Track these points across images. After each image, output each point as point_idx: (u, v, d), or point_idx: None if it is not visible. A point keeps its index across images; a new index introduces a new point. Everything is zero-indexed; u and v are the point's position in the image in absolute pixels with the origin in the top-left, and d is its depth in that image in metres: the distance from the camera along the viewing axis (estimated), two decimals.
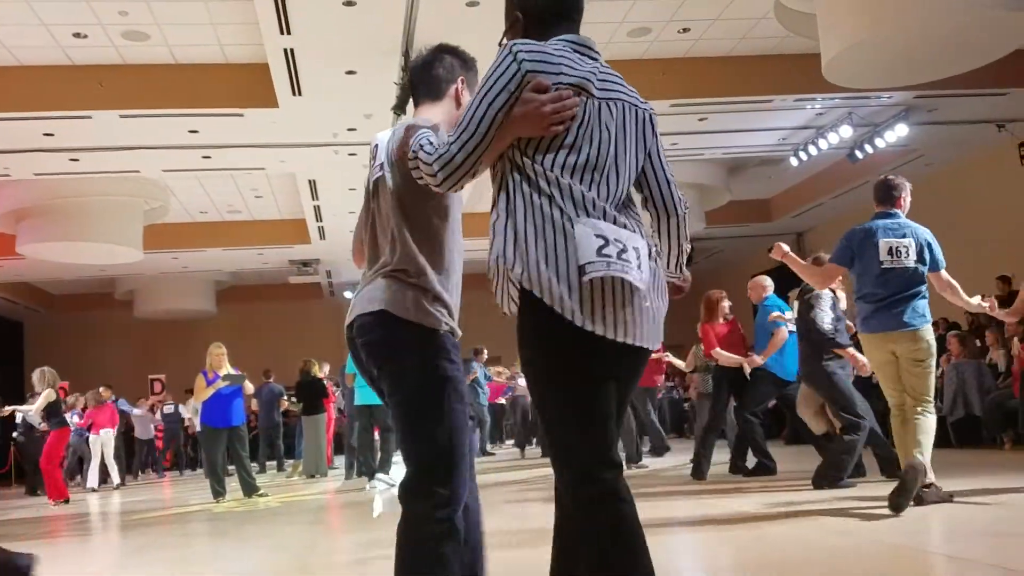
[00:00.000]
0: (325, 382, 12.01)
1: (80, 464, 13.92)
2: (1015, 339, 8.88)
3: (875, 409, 6.20)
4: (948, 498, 4.60)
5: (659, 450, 10.25)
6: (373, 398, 8.35)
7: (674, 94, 9.48)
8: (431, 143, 2.04)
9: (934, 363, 4.75)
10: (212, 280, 18.85)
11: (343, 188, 11.96)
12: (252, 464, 9.71)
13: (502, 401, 16.27)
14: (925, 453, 4.50)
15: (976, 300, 5.02)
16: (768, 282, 7.40)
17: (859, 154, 11.31)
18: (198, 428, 9.89)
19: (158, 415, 17.07)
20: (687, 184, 13.13)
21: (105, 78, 8.61)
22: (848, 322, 6.22)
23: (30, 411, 10.26)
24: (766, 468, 7.13)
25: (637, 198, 2.25)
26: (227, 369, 8.83)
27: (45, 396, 9.98)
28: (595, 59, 2.14)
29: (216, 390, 8.65)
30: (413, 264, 2.30)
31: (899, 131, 10.56)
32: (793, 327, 7.03)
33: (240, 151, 10.30)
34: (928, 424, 4.60)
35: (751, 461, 7.38)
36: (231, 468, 9.43)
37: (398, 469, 9.13)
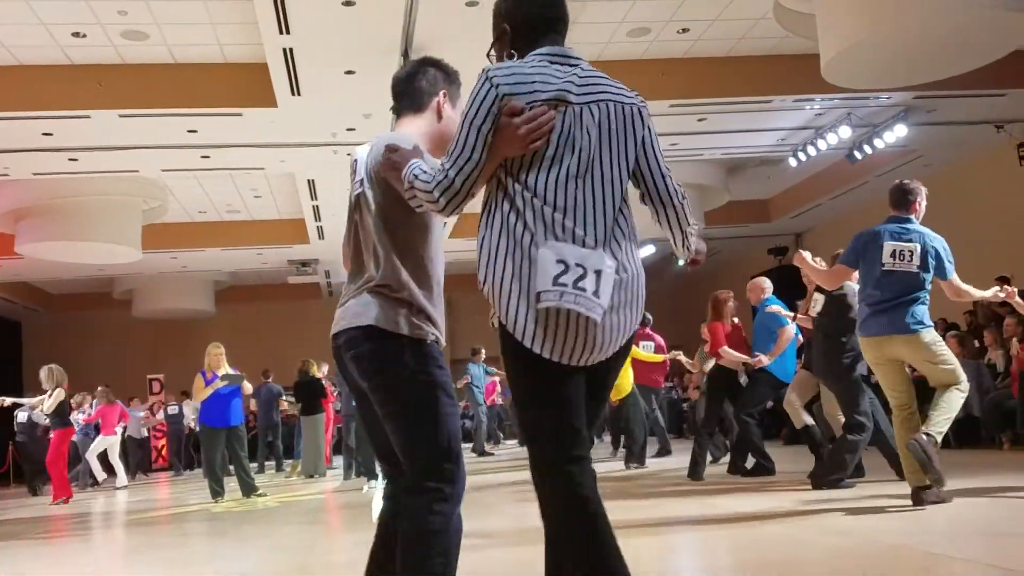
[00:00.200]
0: (324, 382, 12.01)
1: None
2: (1014, 339, 8.89)
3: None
4: (947, 498, 4.60)
5: (663, 451, 10.29)
6: None
7: (673, 94, 9.48)
8: (424, 171, 2.13)
9: (949, 354, 4.74)
10: (211, 280, 18.83)
11: (342, 188, 11.95)
12: (251, 464, 9.71)
13: (500, 401, 16.26)
14: (933, 427, 4.51)
15: (993, 291, 5.00)
16: (767, 283, 7.42)
17: (858, 155, 11.31)
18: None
19: (160, 415, 17.10)
20: (686, 184, 13.02)
21: (104, 78, 8.60)
22: None
23: (39, 408, 10.18)
24: (764, 469, 7.14)
25: (634, 194, 2.30)
26: (225, 369, 8.82)
27: (57, 395, 9.97)
28: (575, 65, 2.20)
29: (214, 390, 8.65)
30: (396, 279, 2.36)
31: (898, 132, 10.57)
32: (795, 326, 7.05)
33: (239, 151, 10.30)
34: (949, 397, 4.61)
35: (750, 462, 7.38)
36: (230, 468, 9.42)
37: None
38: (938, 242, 4.82)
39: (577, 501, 2.09)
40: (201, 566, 4.94)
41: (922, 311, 4.72)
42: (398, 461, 2.39)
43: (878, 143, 10.87)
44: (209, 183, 12.49)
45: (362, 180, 2.45)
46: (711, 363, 8.13)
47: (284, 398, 14.27)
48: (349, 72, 8.31)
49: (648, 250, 16.71)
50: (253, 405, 14.71)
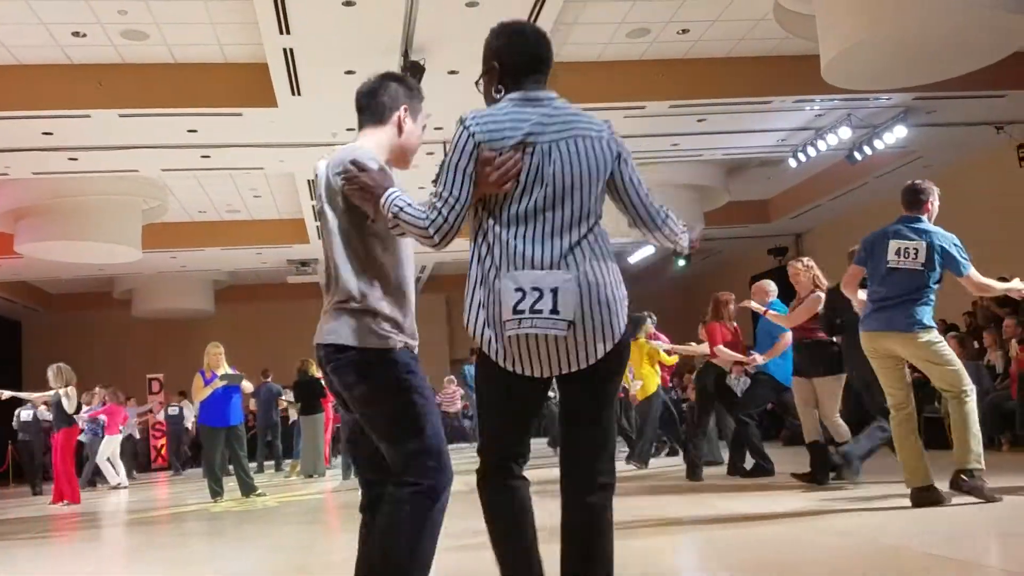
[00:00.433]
0: (323, 382, 11.98)
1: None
2: (1013, 341, 8.89)
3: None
4: (945, 499, 4.60)
5: (674, 451, 10.38)
6: None
7: (673, 95, 9.48)
8: (411, 205, 2.31)
9: (950, 355, 4.72)
10: (210, 279, 18.82)
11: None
12: (250, 464, 9.70)
13: None
14: (970, 462, 4.51)
15: (1015, 283, 4.91)
16: (772, 287, 7.30)
17: (858, 155, 11.31)
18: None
19: (160, 415, 17.10)
20: (686, 185, 13.13)
21: (104, 77, 8.59)
22: None
23: (65, 406, 10.12)
24: (764, 469, 7.14)
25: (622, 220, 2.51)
26: (225, 368, 8.82)
27: (72, 395, 9.96)
28: (545, 104, 2.40)
29: (214, 390, 8.65)
30: (357, 291, 2.46)
31: (898, 133, 10.56)
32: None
33: (239, 151, 10.29)
34: (962, 415, 4.59)
35: (749, 462, 7.39)
36: (230, 468, 9.42)
37: None
38: (947, 240, 4.78)
39: (516, 505, 2.38)
40: (200, 566, 4.94)
41: (924, 311, 4.70)
42: (377, 467, 2.52)
43: (878, 144, 10.87)
44: (209, 183, 12.48)
45: (322, 195, 2.54)
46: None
47: (283, 397, 14.27)
48: (349, 72, 8.30)
49: (648, 250, 16.72)
50: (252, 405, 14.71)
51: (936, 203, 4.96)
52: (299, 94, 8.64)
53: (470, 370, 13.53)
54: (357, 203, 2.43)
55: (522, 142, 2.32)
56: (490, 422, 2.45)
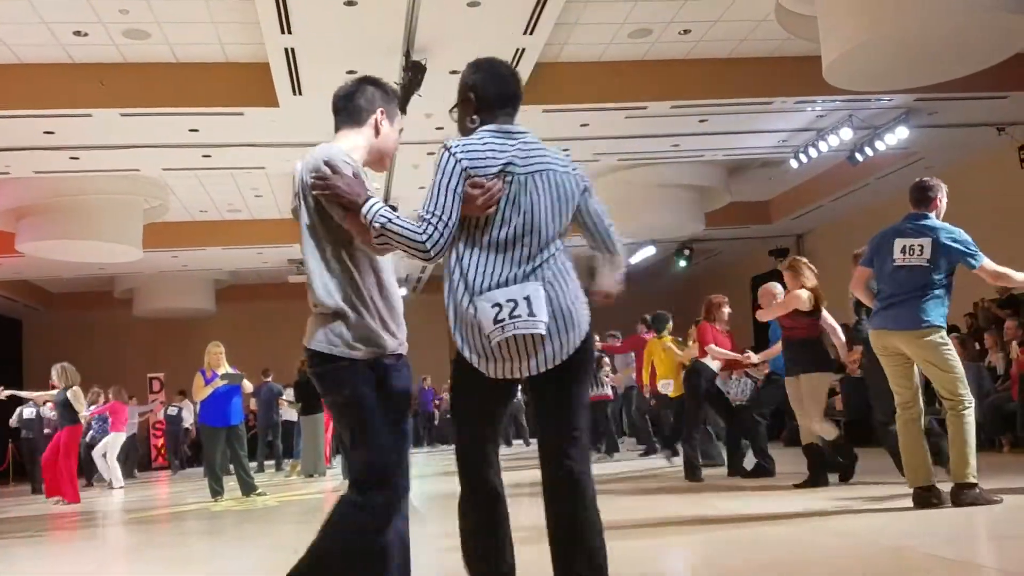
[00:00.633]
0: None
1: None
2: (1014, 342, 8.89)
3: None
4: (946, 501, 4.60)
5: (651, 451, 10.38)
6: None
7: (674, 95, 9.48)
8: (399, 218, 2.41)
9: (953, 359, 4.67)
10: (211, 279, 18.82)
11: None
12: (250, 463, 9.70)
13: None
14: (962, 462, 4.50)
15: None
16: (778, 289, 7.22)
17: (859, 156, 11.30)
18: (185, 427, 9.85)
19: (160, 415, 17.12)
20: (687, 185, 13.12)
21: (105, 76, 8.59)
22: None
23: (76, 407, 10.13)
24: (764, 470, 7.14)
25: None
26: (225, 368, 8.82)
27: (79, 395, 9.97)
28: (517, 138, 2.59)
29: (214, 389, 8.65)
30: (326, 294, 2.50)
31: (899, 134, 10.56)
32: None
33: (240, 150, 10.29)
34: (958, 431, 4.56)
35: (750, 463, 7.39)
36: (230, 467, 9.42)
37: None
38: (954, 234, 4.74)
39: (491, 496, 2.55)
40: (201, 564, 4.94)
41: (932, 308, 4.64)
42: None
43: (879, 145, 10.86)
44: (210, 182, 12.48)
45: (297, 194, 2.57)
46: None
47: (284, 397, 14.27)
48: (351, 72, 8.23)
49: (649, 251, 16.72)
50: (253, 404, 14.72)
51: (944, 200, 4.94)
52: (300, 94, 8.65)
53: None
54: (325, 205, 2.47)
55: (502, 171, 2.50)
56: (471, 429, 2.59)
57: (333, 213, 2.47)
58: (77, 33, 7.96)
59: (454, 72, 9.53)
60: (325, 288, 2.49)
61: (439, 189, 2.46)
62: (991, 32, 6.89)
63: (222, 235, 14.68)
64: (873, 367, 5.70)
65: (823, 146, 11.05)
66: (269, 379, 14.37)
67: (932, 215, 4.87)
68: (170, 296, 18.30)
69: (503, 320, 2.43)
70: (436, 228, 2.41)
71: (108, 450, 12.52)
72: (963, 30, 6.78)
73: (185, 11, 7.71)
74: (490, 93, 2.65)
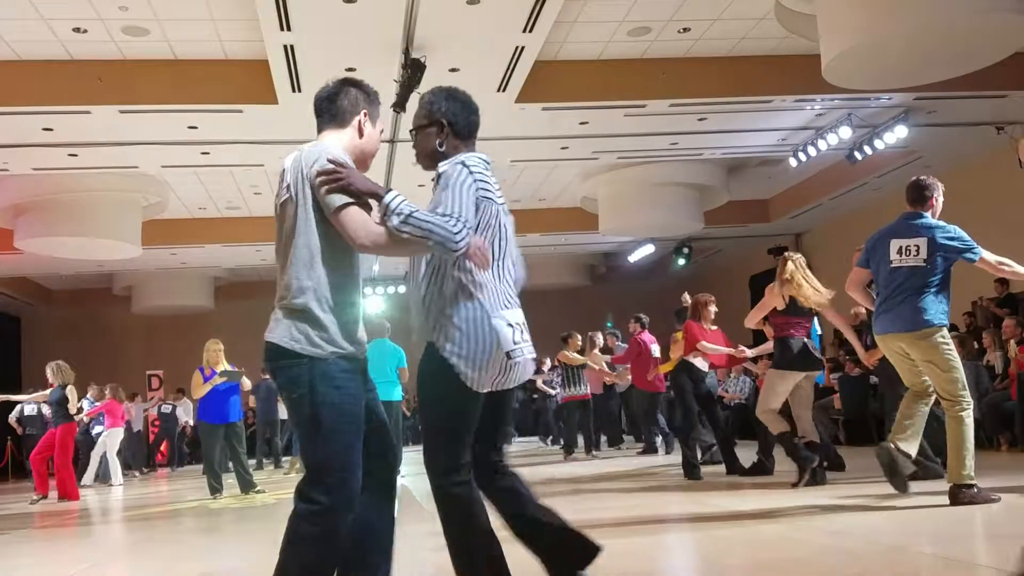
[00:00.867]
0: None
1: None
2: (1012, 341, 8.90)
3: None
4: (909, 489, 4.68)
5: (655, 449, 10.36)
6: (386, 394, 8.36)
7: (674, 94, 9.48)
8: (422, 210, 2.46)
9: (951, 360, 4.64)
10: (210, 276, 18.83)
11: None
12: (249, 461, 9.70)
13: None
14: (959, 463, 4.51)
15: None
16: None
17: (858, 155, 11.31)
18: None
19: (154, 412, 17.13)
20: (686, 184, 13.13)
21: (104, 73, 8.58)
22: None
23: (69, 406, 10.12)
24: (763, 468, 7.15)
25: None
26: (224, 365, 8.82)
27: (73, 394, 9.96)
28: (491, 170, 2.79)
29: (213, 386, 8.65)
30: (299, 290, 2.50)
31: (899, 132, 10.56)
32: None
33: (239, 147, 10.28)
34: (956, 434, 4.55)
35: (748, 461, 7.39)
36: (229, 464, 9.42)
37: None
38: (949, 232, 4.73)
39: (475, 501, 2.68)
40: (199, 561, 4.94)
41: (932, 307, 4.63)
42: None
43: (878, 144, 10.87)
44: (209, 179, 12.48)
45: (289, 186, 2.59)
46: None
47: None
48: (350, 69, 8.29)
49: (648, 249, 16.72)
50: (252, 402, 14.71)
51: (940, 199, 4.93)
52: (300, 91, 8.64)
53: None
54: (320, 198, 2.49)
55: (500, 202, 2.75)
56: (463, 435, 2.68)
57: (327, 205, 2.47)
58: (76, 30, 7.95)
59: (454, 70, 9.59)
60: (298, 284, 2.49)
61: (461, 195, 2.55)
62: (990, 31, 6.89)
63: (221, 232, 14.67)
64: (883, 367, 5.75)
65: (822, 145, 11.05)
66: (268, 376, 14.35)
67: (928, 214, 4.86)
68: (169, 293, 18.31)
69: (518, 342, 2.67)
70: (465, 226, 2.47)
71: (107, 448, 12.52)
72: (962, 29, 6.79)
73: (184, 8, 7.70)
74: (465, 123, 2.81)
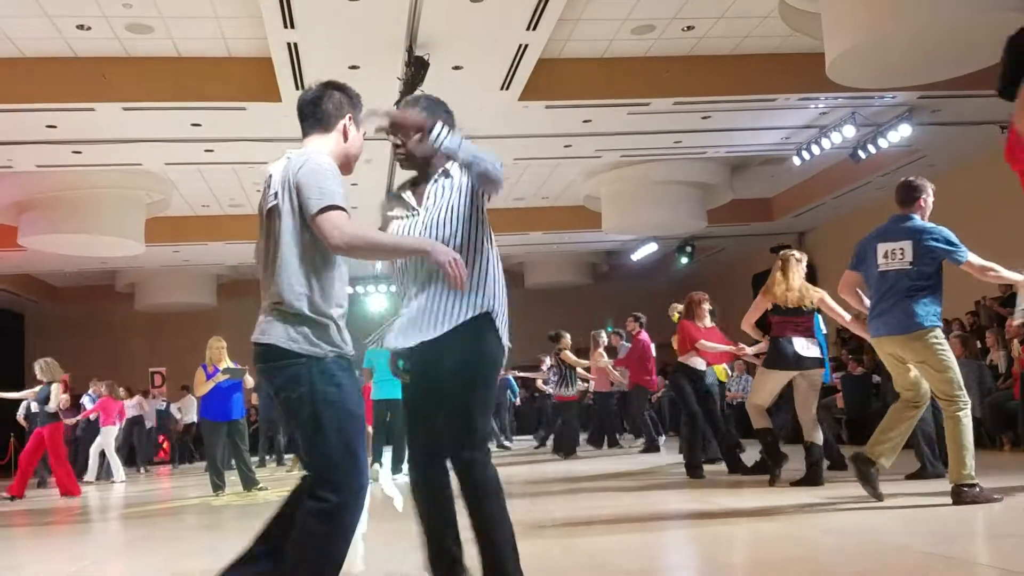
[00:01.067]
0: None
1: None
2: (1015, 340, 8.88)
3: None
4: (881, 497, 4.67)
5: (657, 447, 10.35)
6: (391, 392, 8.37)
7: (677, 92, 9.47)
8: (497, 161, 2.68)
9: (945, 360, 4.62)
10: (213, 274, 18.85)
11: (343, 184, 11.94)
12: (252, 458, 9.71)
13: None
14: (959, 463, 4.50)
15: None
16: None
17: (862, 154, 11.29)
18: (187, 422, 9.86)
19: (150, 409, 17.20)
20: (689, 182, 13.12)
21: (108, 71, 8.59)
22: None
23: (49, 405, 10.15)
24: (765, 467, 7.13)
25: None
26: (227, 363, 8.83)
27: (57, 392, 9.97)
28: None
29: (216, 384, 8.66)
30: (293, 293, 2.52)
31: (902, 131, 10.55)
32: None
33: (243, 145, 10.29)
34: (955, 434, 4.55)
35: (751, 459, 7.39)
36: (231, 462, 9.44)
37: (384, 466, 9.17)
38: (935, 233, 4.72)
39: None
40: (201, 558, 4.94)
41: (921, 308, 4.63)
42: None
43: (882, 143, 10.86)
44: (212, 177, 12.49)
45: (276, 193, 2.58)
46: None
47: None
48: (354, 67, 8.31)
49: (650, 247, 16.71)
50: (255, 399, 14.73)
51: (930, 200, 4.91)
52: (303, 89, 8.64)
53: None
54: (303, 199, 2.51)
55: None
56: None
57: (307, 209, 2.50)
58: (80, 27, 7.96)
59: (457, 68, 9.58)
60: (291, 289, 2.52)
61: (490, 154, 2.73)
62: (994, 29, 6.87)
63: (224, 230, 14.69)
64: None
65: (826, 143, 11.04)
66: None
67: (916, 216, 4.85)
68: (172, 290, 18.34)
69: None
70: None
71: (104, 446, 12.55)
72: (966, 28, 6.78)
73: (188, 6, 7.71)
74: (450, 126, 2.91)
